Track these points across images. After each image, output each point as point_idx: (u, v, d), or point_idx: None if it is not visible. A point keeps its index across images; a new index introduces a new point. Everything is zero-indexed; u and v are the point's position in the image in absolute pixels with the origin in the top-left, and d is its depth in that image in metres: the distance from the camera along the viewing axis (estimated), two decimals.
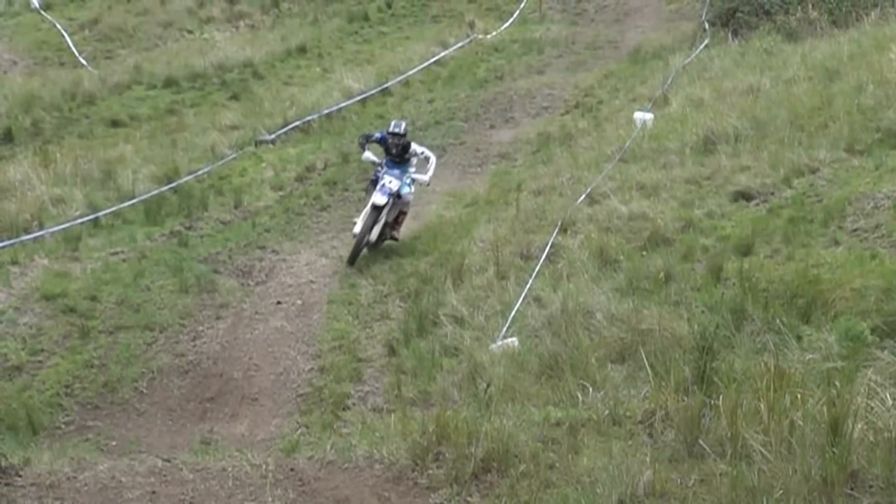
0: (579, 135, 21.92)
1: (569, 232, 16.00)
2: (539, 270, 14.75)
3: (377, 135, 18.15)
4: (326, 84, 28.10)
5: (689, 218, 15.48)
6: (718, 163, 17.28)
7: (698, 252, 14.37)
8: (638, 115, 21.17)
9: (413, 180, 17.75)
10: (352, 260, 17.07)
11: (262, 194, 20.89)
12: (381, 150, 18.15)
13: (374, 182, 17.51)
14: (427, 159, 17.89)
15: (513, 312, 13.60)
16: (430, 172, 17.87)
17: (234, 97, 28.07)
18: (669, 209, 15.93)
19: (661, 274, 13.68)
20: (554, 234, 15.81)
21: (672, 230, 15.23)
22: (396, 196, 17.31)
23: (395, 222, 17.57)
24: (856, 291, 12.03)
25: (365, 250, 17.38)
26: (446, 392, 12.27)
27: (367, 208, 17.14)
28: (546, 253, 15.27)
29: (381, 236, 17.39)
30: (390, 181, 17.28)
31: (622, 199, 16.68)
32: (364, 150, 17.96)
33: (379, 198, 17.03)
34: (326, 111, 25.78)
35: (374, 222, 17.03)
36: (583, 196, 17.23)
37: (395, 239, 17.64)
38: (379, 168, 17.66)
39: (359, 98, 26.68)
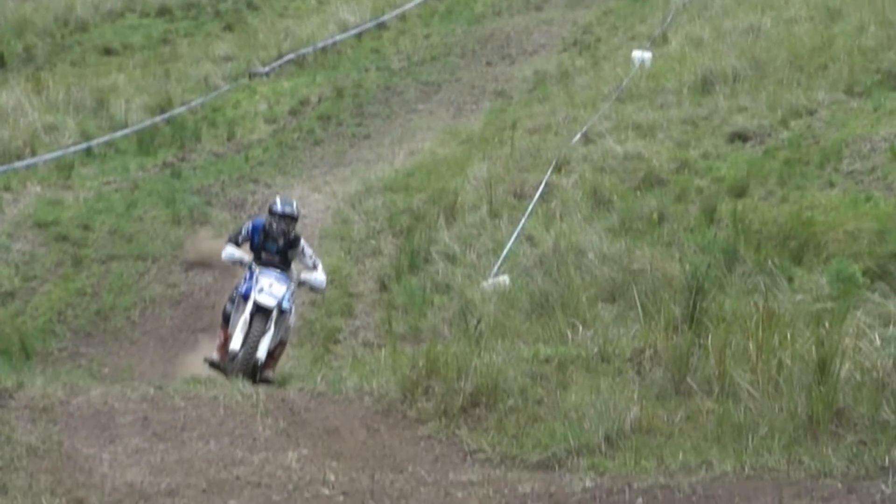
0: (576, 73, 21.80)
1: (563, 171, 15.96)
2: (532, 209, 14.75)
3: (248, 225, 12.57)
4: (322, 17, 27.87)
5: (685, 158, 15.45)
6: (716, 103, 17.21)
7: (692, 193, 14.37)
8: (636, 54, 21.00)
9: (302, 284, 12.40)
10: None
11: (255, 127, 20.83)
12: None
13: (244, 296, 12.11)
14: (315, 266, 12.53)
15: (505, 251, 13.62)
16: (323, 275, 12.58)
17: (229, 28, 27.87)
18: (665, 149, 15.89)
19: (655, 214, 13.71)
20: (548, 174, 15.77)
21: (667, 171, 15.20)
22: (279, 310, 12.06)
23: (271, 357, 12.16)
24: (849, 234, 12.06)
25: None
26: (437, 328, 12.33)
27: (246, 315, 11.87)
28: (540, 192, 15.25)
29: (264, 369, 11.96)
30: (270, 285, 11.99)
31: (618, 139, 16.62)
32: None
33: (266, 298, 11.90)
34: (321, 44, 25.60)
35: (261, 334, 11.83)
36: (578, 135, 17.16)
37: (270, 381, 11.81)
38: (249, 271, 12.24)
39: (354, 32, 26.48)
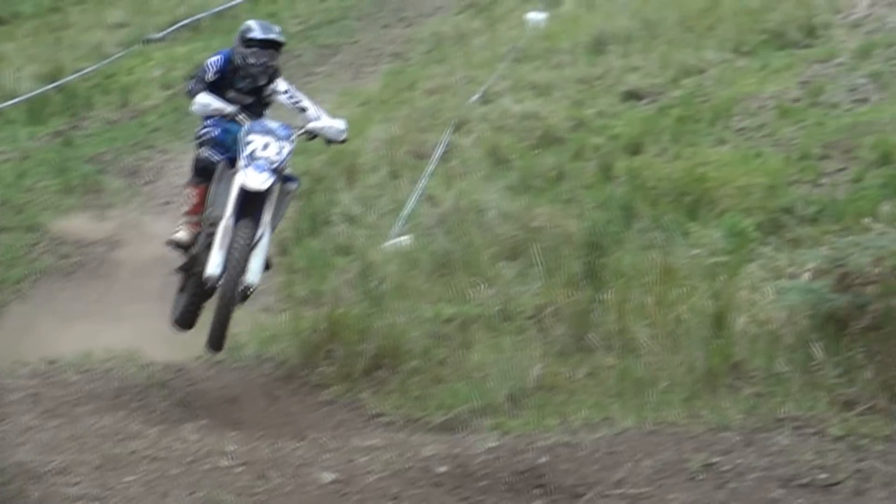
0: (473, 34, 21.73)
1: (462, 131, 15.93)
2: (432, 169, 14.70)
3: (214, 60, 9.53)
4: None
5: (581, 117, 15.50)
6: (609, 63, 17.29)
7: (589, 151, 14.41)
8: (531, 16, 21.03)
9: (312, 134, 9.42)
10: (218, 343, 8.91)
11: (150, 93, 20.46)
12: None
13: (220, 151, 9.28)
14: (303, 109, 9.53)
15: (406, 211, 13.56)
16: (340, 121, 9.56)
17: None
18: (561, 108, 15.93)
19: (553, 172, 13.79)
20: (447, 134, 15.73)
21: (564, 129, 15.23)
22: (279, 177, 9.04)
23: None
24: (741, 189, 12.21)
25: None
26: (338, 291, 12.17)
27: (227, 216, 8.76)
28: (439, 152, 15.20)
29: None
30: (265, 145, 8.89)
31: (515, 99, 16.64)
32: (194, 96, 9.35)
33: (255, 178, 8.76)
34: (217, 9, 25.22)
35: (251, 243, 8.73)
36: (476, 95, 17.15)
37: (267, 267, 9.35)
38: (228, 122, 9.28)
39: None
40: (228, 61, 9.39)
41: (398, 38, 23.15)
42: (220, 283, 8.69)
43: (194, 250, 9.21)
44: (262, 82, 9.35)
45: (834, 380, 7.39)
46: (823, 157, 12.62)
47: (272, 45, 9.31)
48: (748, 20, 17.25)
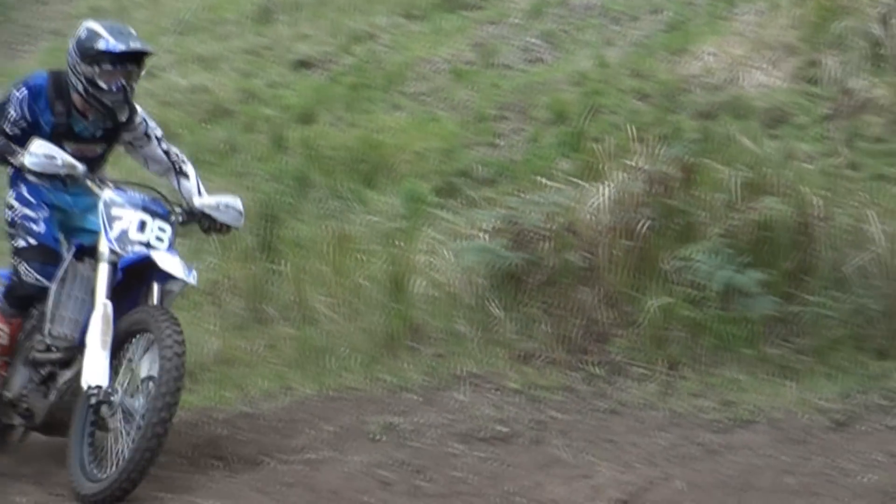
0: (134, 8, 21.03)
1: None
2: None
3: (18, 97, 6.24)
4: None
5: (250, 88, 15.22)
6: (278, 32, 17.05)
7: (261, 122, 14.14)
8: None
9: (193, 217, 6.95)
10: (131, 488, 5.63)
11: None
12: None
13: (78, 246, 6.41)
14: (182, 170, 6.88)
15: None
16: (236, 199, 6.95)
17: None
18: (230, 81, 15.60)
19: (225, 146, 13.49)
20: None
21: (233, 101, 14.91)
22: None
23: None
24: (418, 154, 12.27)
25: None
26: None
27: (102, 303, 5.95)
28: None
29: None
30: (140, 223, 6.45)
31: (181, 73, 16.18)
32: (13, 156, 6.18)
33: (171, 260, 6.29)
34: None
35: (180, 339, 5.94)
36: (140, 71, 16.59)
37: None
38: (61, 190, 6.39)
39: None
40: (43, 95, 6.27)
41: (56, 15, 22.19)
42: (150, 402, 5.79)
43: (8, 395, 6.44)
44: (122, 119, 6.33)
45: (512, 336, 7.53)
46: (499, 119, 12.81)
47: (134, 59, 6.23)
48: None
